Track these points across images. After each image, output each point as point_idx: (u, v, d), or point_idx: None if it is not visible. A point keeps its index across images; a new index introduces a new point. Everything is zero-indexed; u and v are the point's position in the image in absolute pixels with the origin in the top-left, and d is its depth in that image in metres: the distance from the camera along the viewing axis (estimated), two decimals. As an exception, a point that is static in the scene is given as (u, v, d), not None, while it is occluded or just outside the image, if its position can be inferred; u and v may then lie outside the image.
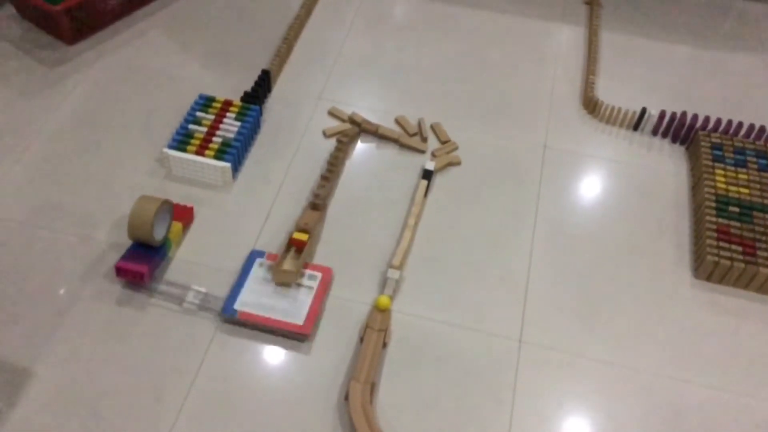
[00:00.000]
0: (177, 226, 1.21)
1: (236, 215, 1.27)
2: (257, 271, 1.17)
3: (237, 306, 1.11)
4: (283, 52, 1.54)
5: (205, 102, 1.40)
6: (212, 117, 1.37)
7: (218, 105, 1.39)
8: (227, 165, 1.28)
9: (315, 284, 1.15)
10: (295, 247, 1.18)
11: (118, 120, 1.41)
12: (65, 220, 1.23)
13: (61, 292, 1.13)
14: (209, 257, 1.20)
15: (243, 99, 1.43)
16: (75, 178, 1.30)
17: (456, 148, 1.41)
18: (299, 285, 1.15)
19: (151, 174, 1.32)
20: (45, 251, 1.19)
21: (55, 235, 1.21)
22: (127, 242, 1.17)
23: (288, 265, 1.16)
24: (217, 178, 1.30)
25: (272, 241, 1.23)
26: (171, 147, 1.31)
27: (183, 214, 1.23)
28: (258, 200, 1.29)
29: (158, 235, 1.15)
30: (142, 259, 1.13)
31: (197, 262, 1.19)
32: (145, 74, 1.51)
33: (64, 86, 1.46)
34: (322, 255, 1.22)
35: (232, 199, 1.29)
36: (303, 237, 1.17)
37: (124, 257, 1.13)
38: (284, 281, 1.15)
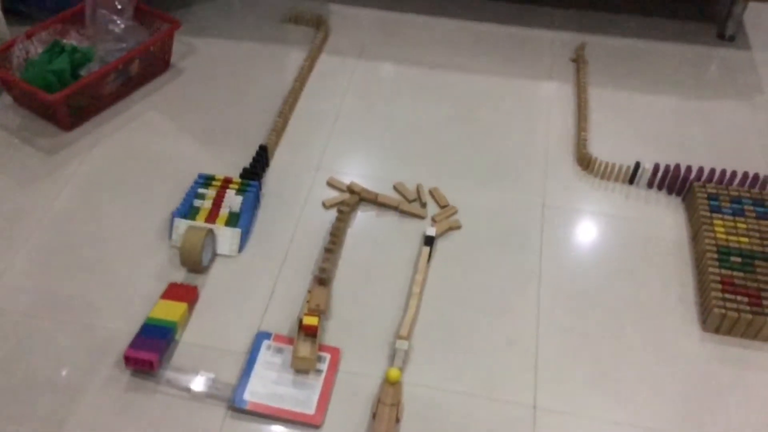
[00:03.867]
0: (182, 307, 1.20)
1: (241, 293, 1.26)
2: (265, 355, 1.16)
3: (246, 396, 1.10)
4: (279, 126, 1.56)
5: (205, 181, 1.41)
6: (213, 194, 1.38)
7: (218, 183, 1.41)
8: (238, 230, 1.32)
9: (324, 367, 1.14)
10: (309, 333, 1.16)
11: (118, 204, 1.42)
12: (69, 310, 1.23)
13: (67, 384, 1.12)
14: (216, 339, 1.19)
15: (242, 175, 1.44)
16: (77, 266, 1.30)
17: (455, 212, 1.42)
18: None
19: (154, 257, 1.32)
20: (49, 342, 1.18)
21: (59, 325, 1.20)
22: (134, 329, 1.17)
23: (305, 351, 1.14)
24: (224, 249, 1.31)
25: (278, 319, 1.22)
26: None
27: (188, 295, 1.23)
28: (262, 277, 1.29)
29: (205, 260, 1.26)
30: (151, 346, 1.12)
31: (204, 344, 1.18)
32: (143, 156, 1.52)
33: (62, 174, 1.47)
34: (328, 329, 1.21)
35: (236, 277, 1.29)
36: (314, 321, 1.16)
37: (131, 345, 1.13)
38: (303, 368, 1.14)
